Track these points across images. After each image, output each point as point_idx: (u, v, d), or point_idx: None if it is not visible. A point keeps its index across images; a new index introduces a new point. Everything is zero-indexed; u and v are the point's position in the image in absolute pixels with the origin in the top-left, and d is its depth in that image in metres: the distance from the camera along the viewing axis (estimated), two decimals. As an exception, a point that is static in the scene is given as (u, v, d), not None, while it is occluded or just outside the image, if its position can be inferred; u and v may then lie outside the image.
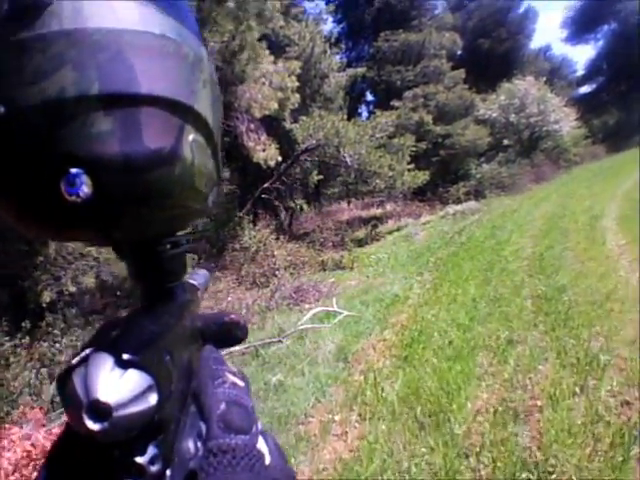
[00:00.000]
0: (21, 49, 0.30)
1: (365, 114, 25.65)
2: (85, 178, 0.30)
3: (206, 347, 0.49)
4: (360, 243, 13.35)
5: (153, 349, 0.33)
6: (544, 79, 23.86)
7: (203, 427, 0.39)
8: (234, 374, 0.46)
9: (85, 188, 0.30)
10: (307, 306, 7.42)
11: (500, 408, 3.45)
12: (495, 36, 29.32)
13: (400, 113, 18.21)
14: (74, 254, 6.64)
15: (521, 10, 31.48)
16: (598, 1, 34.67)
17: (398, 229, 14.43)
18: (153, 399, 0.30)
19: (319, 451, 3.45)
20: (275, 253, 10.71)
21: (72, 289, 6.56)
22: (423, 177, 15.02)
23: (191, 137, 0.36)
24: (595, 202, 12.34)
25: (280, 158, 11.90)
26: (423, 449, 3.14)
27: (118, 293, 7.27)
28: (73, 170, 0.30)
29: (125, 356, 0.29)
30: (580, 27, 38.49)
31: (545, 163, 22.01)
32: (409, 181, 14.42)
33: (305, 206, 16.54)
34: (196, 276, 0.63)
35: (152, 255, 0.42)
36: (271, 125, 13.14)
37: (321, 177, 15.23)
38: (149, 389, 0.30)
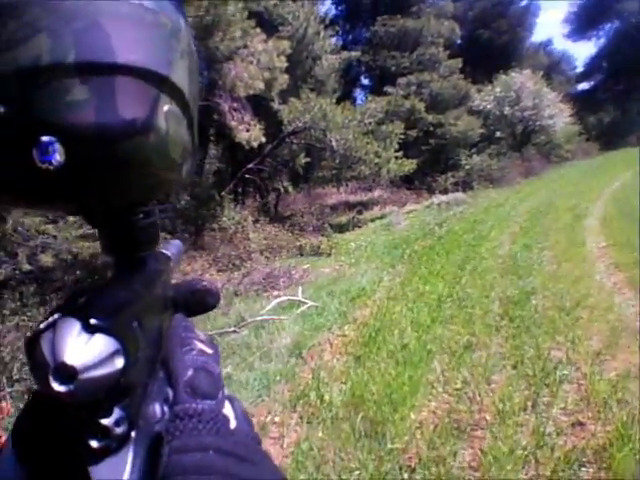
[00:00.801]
0: None
1: (361, 98, 25.26)
2: (58, 146, 0.30)
3: (176, 316, 0.51)
4: (342, 229, 13.12)
5: (121, 315, 0.34)
6: (541, 73, 23.54)
7: (170, 392, 0.40)
8: (203, 342, 0.47)
9: (58, 156, 0.30)
10: (276, 293, 7.21)
11: (446, 420, 3.23)
12: (495, 27, 28.97)
13: (390, 99, 17.83)
14: (31, 231, 6.34)
15: (523, 3, 31.20)
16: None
17: (382, 217, 14.19)
18: (119, 363, 0.30)
19: (254, 454, 3.21)
20: (250, 236, 10.47)
21: (28, 267, 6.27)
22: (410, 166, 14.77)
23: (166, 107, 0.36)
24: (581, 200, 12.17)
25: (264, 139, 11.54)
26: (354, 464, 2.91)
27: (78, 272, 7.00)
28: (45, 138, 0.29)
29: (92, 321, 0.30)
30: (582, 24, 38.20)
31: (536, 158, 21.86)
32: (395, 169, 14.15)
33: (290, 188, 16.25)
34: (169, 246, 0.64)
35: (125, 224, 0.42)
36: (260, 105, 12.81)
37: (308, 160, 14.93)
38: (115, 353, 0.30)
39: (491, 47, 28.64)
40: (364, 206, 16.23)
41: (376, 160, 13.46)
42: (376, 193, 17.71)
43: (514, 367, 3.87)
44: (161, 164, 0.38)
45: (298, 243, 10.95)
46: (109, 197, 0.37)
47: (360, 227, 13.28)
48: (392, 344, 4.51)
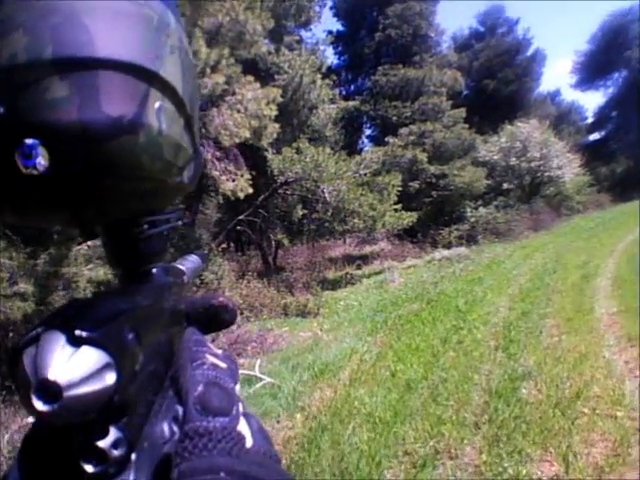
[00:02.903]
0: None
1: (366, 149, 24.81)
2: (41, 149, 0.28)
3: (188, 329, 0.47)
4: (335, 285, 12.32)
5: (113, 325, 0.30)
6: (547, 123, 22.91)
7: (180, 410, 0.37)
8: (216, 356, 0.44)
9: (42, 160, 0.28)
10: (241, 361, 6.36)
11: None
12: (501, 77, 28.69)
13: (387, 149, 17.20)
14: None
15: (529, 53, 30.98)
16: (608, 47, 34.12)
17: (379, 272, 13.43)
18: (110, 378, 0.28)
19: None
20: (227, 293, 9.61)
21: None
22: (410, 218, 14.00)
23: (157, 105, 0.34)
24: (592, 257, 11.20)
25: (251, 190, 10.92)
26: None
27: (11, 335, 6.21)
28: (28, 141, 0.28)
29: (78, 332, 0.27)
30: (590, 73, 38.08)
31: (546, 210, 20.96)
32: (392, 222, 13.35)
33: (286, 241, 15.60)
34: (185, 261, 0.61)
35: (128, 236, 0.40)
36: (253, 155, 12.39)
37: (305, 211, 14.27)
38: (106, 367, 0.28)
39: (498, 97, 28.28)
40: (365, 260, 15.74)
41: (371, 213, 12.70)
42: (379, 246, 17.05)
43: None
44: (155, 167, 0.35)
45: (283, 301, 10.13)
46: (101, 204, 0.34)
47: (354, 284, 12.48)
48: (337, 448, 3.55)
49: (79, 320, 0.28)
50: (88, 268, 6.14)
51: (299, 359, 6.10)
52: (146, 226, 0.41)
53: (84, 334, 0.27)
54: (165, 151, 0.35)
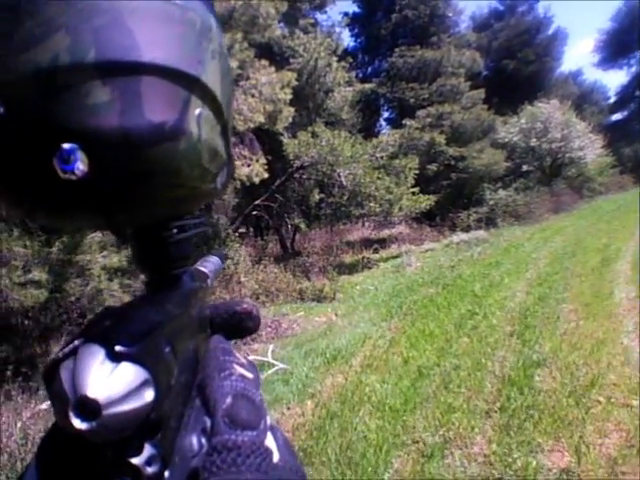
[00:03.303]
0: (10, 13, 0.28)
1: (384, 132, 24.49)
2: (80, 154, 0.27)
3: (214, 337, 0.47)
4: (352, 270, 12.23)
5: (150, 340, 0.30)
6: (569, 103, 22.38)
7: (208, 422, 0.36)
8: (243, 365, 0.43)
9: (80, 165, 0.28)
10: (256, 346, 6.38)
11: None
12: (521, 57, 27.99)
13: (404, 132, 16.96)
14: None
15: (550, 32, 30.14)
16: (631, 25, 33.06)
17: (397, 256, 13.28)
18: (149, 395, 0.28)
19: None
20: (242, 279, 9.60)
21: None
22: (427, 201, 13.80)
23: (198, 111, 0.34)
24: (613, 240, 10.97)
25: (268, 175, 10.85)
26: None
27: (26, 322, 6.25)
28: (67, 145, 0.27)
29: (118, 347, 0.27)
30: (613, 52, 37.04)
31: (566, 192, 20.56)
32: (409, 205, 13.19)
33: (303, 225, 15.52)
34: (206, 263, 0.60)
35: (157, 240, 0.40)
36: (270, 139, 12.33)
37: (323, 196, 14.18)
38: (144, 384, 0.27)
39: (518, 77, 27.66)
40: (382, 243, 15.54)
41: (387, 196, 12.56)
42: (397, 229, 16.89)
43: (494, 485, 2.85)
44: (193, 174, 0.35)
45: (299, 286, 10.09)
46: (137, 210, 0.34)
47: (371, 268, 12.36)
48: (345, 436, 3.52)
49: (117, 334, 0.27)
50: (102, 255, 6.17)
51: (312, 345, 6.07)
52: (175, 230, 0.41)
53: (124, 350, 0.26)
54: (203, 158, 0.35)
